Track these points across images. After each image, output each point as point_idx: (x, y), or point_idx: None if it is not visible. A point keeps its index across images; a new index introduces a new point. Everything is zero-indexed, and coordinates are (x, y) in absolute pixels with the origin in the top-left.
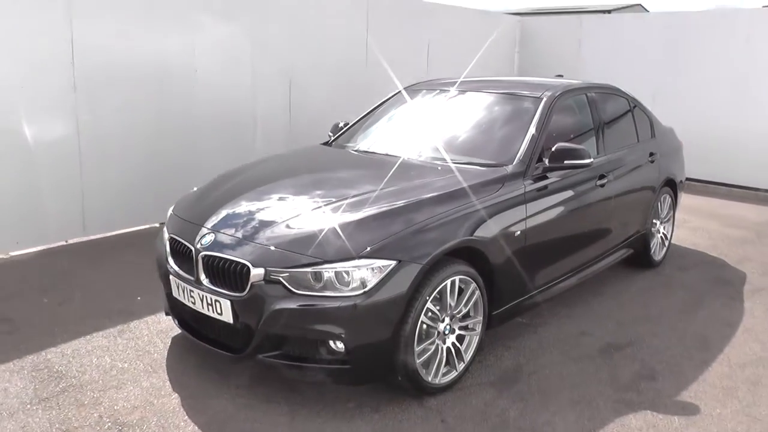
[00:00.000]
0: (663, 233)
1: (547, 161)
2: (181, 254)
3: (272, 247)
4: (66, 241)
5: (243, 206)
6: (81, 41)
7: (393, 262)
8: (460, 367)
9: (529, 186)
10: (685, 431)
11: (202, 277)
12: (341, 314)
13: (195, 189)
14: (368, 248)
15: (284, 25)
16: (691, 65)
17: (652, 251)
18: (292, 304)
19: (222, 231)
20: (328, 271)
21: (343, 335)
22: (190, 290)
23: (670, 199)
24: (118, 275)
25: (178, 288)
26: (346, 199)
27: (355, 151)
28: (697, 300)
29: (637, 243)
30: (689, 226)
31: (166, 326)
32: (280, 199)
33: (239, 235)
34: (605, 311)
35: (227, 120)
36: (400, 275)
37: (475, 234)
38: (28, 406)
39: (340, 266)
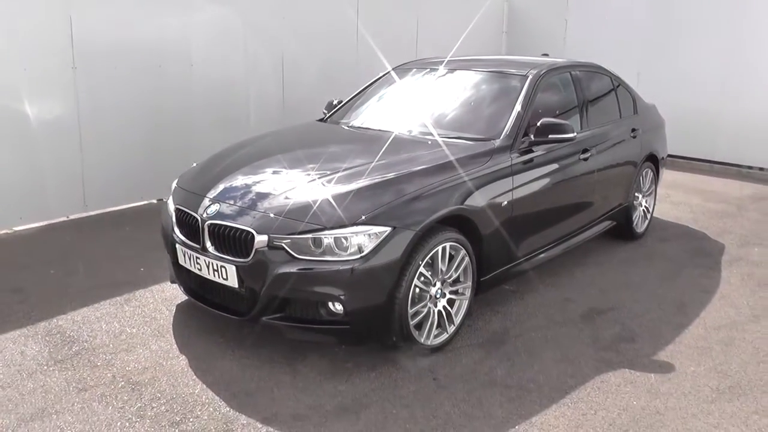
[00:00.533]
0: (645, 206)
1: (532, 136)
2: (187, 224)
3: (275, 216)
4: (67, 217)
5: (246, 178)
6: (80, 22)
7: (388, 229)
8: (451, 329)
9: (516, 159)
10: (660, 386)
11: (208, 244)
12: (340, 277)
13: (194, 165)
14: (365, 215)
15: (276, 6)
16: (676, 45)
17: (635, 223)
18: (294, 268)
19: (226, 201)
20: (327, 237)
21: (342, 297)
22: (196, 257)
23: (651, 174)
24: (120, 248)
25: (184, 256)
26: (342, 171)
27: (350, 126)
28: (676, 269)
29: (619, 215)
30: (672, 200)
31: (171, 295)
32: (281, 171)
33: (243, 204)
34: (588, 279)
35: (222, 99)
36: (395, 241)
37: (465, 203)
38: (45, 367)
39: (338, 232)
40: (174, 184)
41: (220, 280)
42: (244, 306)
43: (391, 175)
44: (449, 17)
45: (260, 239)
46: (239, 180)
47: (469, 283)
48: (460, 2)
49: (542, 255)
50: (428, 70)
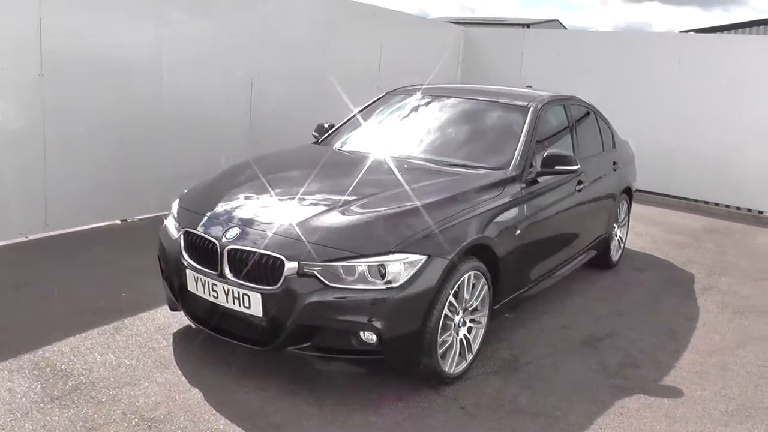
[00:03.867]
0: (620, 236)
1: (538, 166)
2: (200, 248)
3: (306, 242)
4: (26, 237)
5: (265, 201)
6: (50, 27)
7: (424, 257)
8: (469, 357)
9: (524, 189)
10: (675, 411)
11: (227, 270)
12: (376, 306)
13: (186, 191)
14: (401, 243)
15: (248, 23)
16: (629, 83)
17: (612, 253)
18: (327, 297)
19: (247, 225)
20: (362, 265)
21: (378, 326)
22: (213, 284)
23: (626, 206)
24: (93, 272)
25: (197, 282)
26: (367, 197)
27: (353, 152)
28: (656, 297)
29: (600, 245)
30: (634, 231)
31: (164, 323)
32: (301, 195)
33: (267, 229)
34: (577, 307)
35: (192, 115)
36: (430, 269)
37: (486, 231)
38: (41, 405)
39: (374, 260)
40: (176, 205)
41: (241, 309)
42: (265, 335)
43: (418, 203)
44: (409, 44)
45: (290, 266)
46: (257, 203)
47: (486, 311)
48: (419, 30)
49: (542, 282)
50: (422, 97)
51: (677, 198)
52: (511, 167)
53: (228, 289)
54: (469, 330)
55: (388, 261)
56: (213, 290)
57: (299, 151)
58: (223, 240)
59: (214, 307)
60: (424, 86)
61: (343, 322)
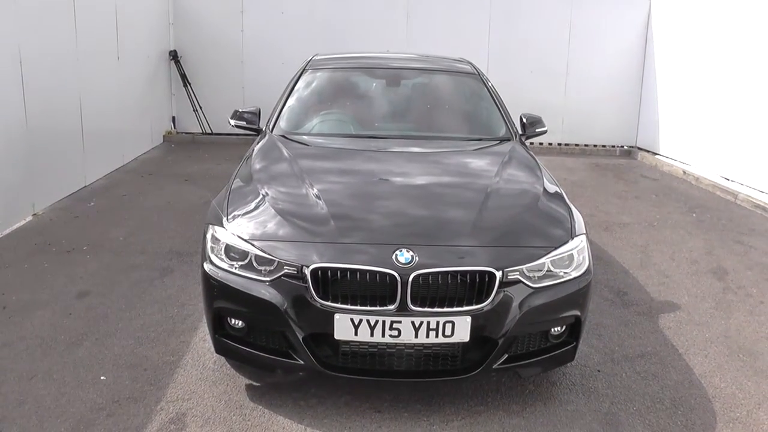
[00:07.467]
0: None
1: (521, 130)
2: (350, 283)
3: (500, 246)
4: None
5: (389, 208)
6: None
7: (583, 235)
8: None
9: None
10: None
11: (409, 302)
12: (579, 296)
13: (233, 211)
14: (571, 227)
15: None
16: (350, 36)
17: None
18: (538, 300)
19: (409, 241)
20: (560, 257)
21: (579, 314)
22: (392, 322)
23: None
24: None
25: (357, 326)
26: (492, 186)
27: (359, 137)
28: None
29: None
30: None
31: (257, 415)
32: (412, 194)
33: (440, 239)
34: (673, 271)
35: None
36: (587, 247)
37: None
38: None
39: (565, 249)
40: (232, 237)
41: (439, 339)
42: (464, 361)
43: (539, 185)
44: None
45: (498, 276)
46: (381, 212)
47: None
48: None
49: None
50: (358, 69)
51: None
52: (514, 135)
53: (419, 323)
54: None
55: (573, 248)
56: (392, 328)
57: (320, 149)
58: (400, 266)
59: (383, 348)
60: (343, 56)
61: (551, 322)
